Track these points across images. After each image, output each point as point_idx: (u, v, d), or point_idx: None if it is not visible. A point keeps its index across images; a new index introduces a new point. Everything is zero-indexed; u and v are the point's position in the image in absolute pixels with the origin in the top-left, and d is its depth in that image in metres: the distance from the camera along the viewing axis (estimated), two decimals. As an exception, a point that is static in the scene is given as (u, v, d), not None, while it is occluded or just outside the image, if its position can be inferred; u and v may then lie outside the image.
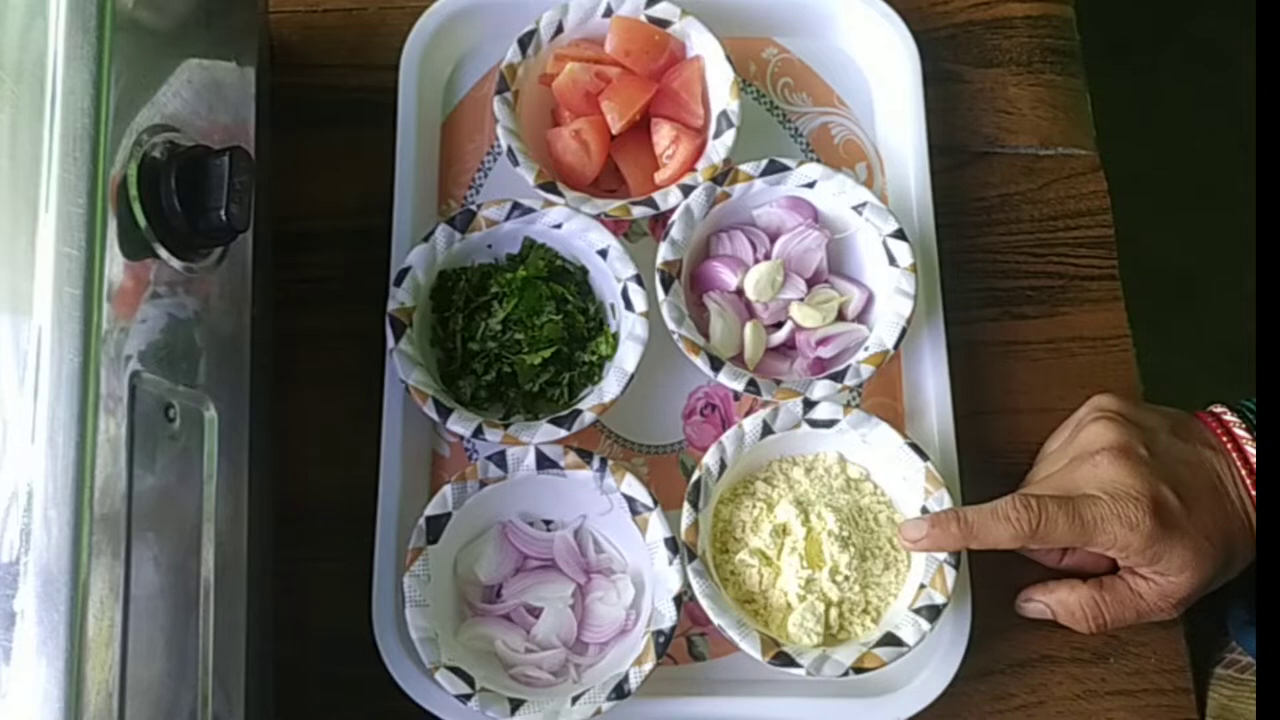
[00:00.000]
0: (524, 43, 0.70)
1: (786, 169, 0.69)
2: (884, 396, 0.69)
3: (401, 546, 0.63)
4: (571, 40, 0.72)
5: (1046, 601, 0.64)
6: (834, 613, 0.62)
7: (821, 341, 0.67)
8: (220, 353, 0.55)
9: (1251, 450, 0.61)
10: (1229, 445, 0.62)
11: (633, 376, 0.64)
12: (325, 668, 0.65)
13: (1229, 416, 0.63)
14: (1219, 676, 0.69)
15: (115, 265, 0.47)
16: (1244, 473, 0.61)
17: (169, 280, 0.52)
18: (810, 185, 0.69)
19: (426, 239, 0.67)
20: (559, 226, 0.68)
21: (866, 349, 0.66)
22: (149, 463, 0.48)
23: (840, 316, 0.68)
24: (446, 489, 0.62)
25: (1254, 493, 0.61)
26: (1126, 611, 0.62)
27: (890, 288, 0.67)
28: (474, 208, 0.68)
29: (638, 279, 0.66)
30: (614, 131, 0.70)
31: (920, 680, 0.63)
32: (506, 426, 0.64)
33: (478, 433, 0.63)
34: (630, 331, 0.66)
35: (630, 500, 0.63)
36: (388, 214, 0.69)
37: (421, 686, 0.61)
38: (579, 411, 0.64)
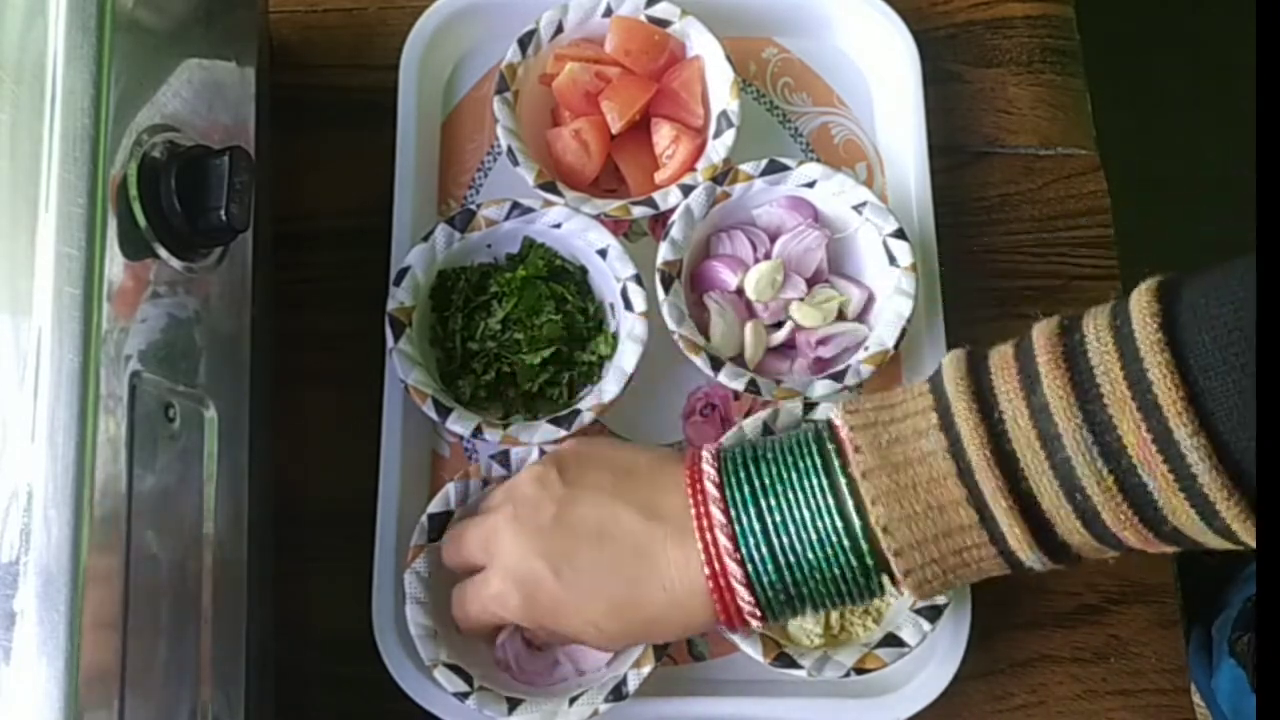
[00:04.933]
0: (524, 43, 0.70)
1: (786, 169, 0.69)
2: (884, 396, 0.69)
3: (402, 546, 0.63)
4: (571, 40, 0.72)
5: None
6: (835, 613, 0.62)
7: (821, 341, 0.67)
8: (220, 353, 0.55)
9: (714, 492, 0.49)
10: (694, 488, 0.51)
11: (632, 376, 0.64)
12: (325, 668, 0.65)
13: (706, 462, 0.51)
14: None
15: (115, 265, 0.47)
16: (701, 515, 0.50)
17: (169, 280, 0.52)
18: (810, 185, 0.69)
19: (426, 239, 0.67)
20: (558, 226, 0.68)
21: (866, 349, 0.66)
22: (149, 463, 0.49)
23: (840, 316, 0.68)
24: (449, 487, 0.62)
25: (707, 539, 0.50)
26: (476, 612, 0.56)
27: (890, 287, 0.67)
28: (474, 207, 0.68)
29: (637, 279, 0.66)
30: (614, 131, 0.70)
31: (920, 680, 0.63)
32: (506, 426, 0.64)
33: (477, 432, 0.63)
34: (630, 331, 0.66)
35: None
36: (388, 214, 0.69)
37: (421, 686, 0.61)
38: (578, 411, 0.64)
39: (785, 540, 0.47)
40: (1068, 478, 0.42)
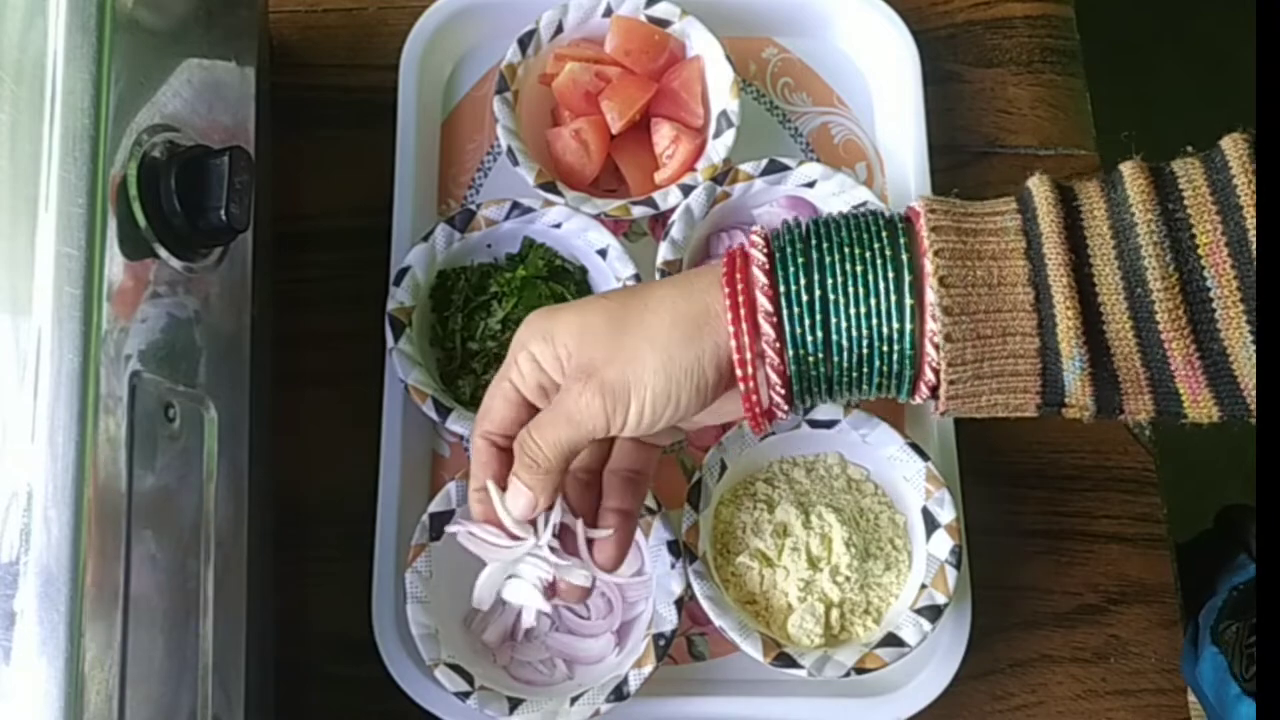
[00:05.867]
0: (524, 42, 0.70)
1: (786, 168, 0.69)
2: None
3: (401, 546, 0.63)
4: (571, 40, 0.72)
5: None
6: (835, 613, 0.62)
7: (821, 341, 0.67)
8: (220, 353, 0.55)
9: (759, 259, 0.46)
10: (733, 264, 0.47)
11: (633, 376, 0.64)
12: (325, 668, 0.65)
13: (754, 245, 0.47)
14: None
15: (115, 265, 0.47)
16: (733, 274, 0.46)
17: (169, 280, 0.52)
18: (810, 185, 0.69)
19: (426, 238, 0.67)
20: (558, 226, 0.68)
21: (866, 349, 0.66)
22: (149, 463, 0.48)
23: (840, 316, 0.68)
24: (450, 486, 0.62)
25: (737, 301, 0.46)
26: (555, 422, 0.48)
27: (890, 288, 0.67)
28: (473, 207, 0.68)
29: (637, 279, 0.66)
30: (614, 131, 0.70)
31: (920, 680, 0.63)
32: (506, 426, 0.64)
33: (478, 433, 0.63)
34: (630, 331, 0.65)
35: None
36: (388, 214, 0.69)
37: (421, 686, 0.61)
38: (579, 411, 0.64)
39: (829, 294, 0.45)
40: (1133, 268, 0.42)
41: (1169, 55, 1.69)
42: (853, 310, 0.44)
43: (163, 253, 0.51)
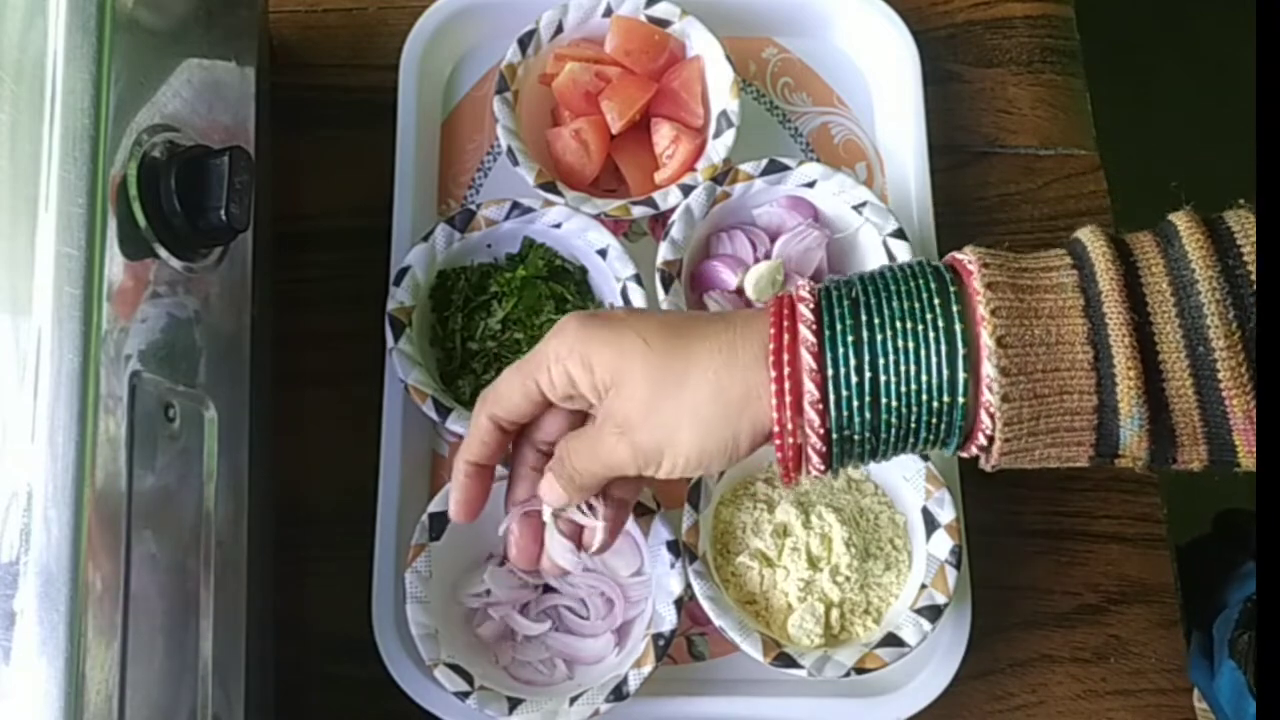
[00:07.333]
0: (524, 42, 0.70)
1: (786, 168, 0.69)
2: (884, 396, 0.69)
3: (401, 547, 0.63)
4: (571, 40, 0.72)
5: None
6: (835, 613, 0.62)
7: (821, 341, 0.67)
8: (220, 353, 0.55)
9: (807, 321, 0.45)
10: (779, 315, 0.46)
11: (633, 376, 0.64)
12: (325, 668, 0.65)
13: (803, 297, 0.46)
14: None
15: (115, 265, 0.47)
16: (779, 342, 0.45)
17: (169, 280, 0.52)
18: (810, 185, 0.69)
19: (426, 238, 0.67)
20: (558, 226, 0.68)
21: (866, 349, 0.66)
22: (149, 463, 0.49)
23: (840, 316, 0.68)
24: (450, 486, 0.62)
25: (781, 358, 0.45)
26: (591, 457, 0.50)
27: (890, 288, 0.67)
28: (473, 207, 0.68)
29: (637, 278, 0.66)
30: (614, 131, 0.70)
31: (920, 680, 0.63)
32: (506, 426, 0.64)
33: (478, 433, 0.63)
34: (630, 331, 0.65)
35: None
36: (388, 214, 0.69)
37: (421, 686, 0.61)
38: (579, 411, 0.64)
39: (879, 375, 0.44)
40: (1195, 327, 0.42)
41: (1169, 55, 1.69)
42: (904, 388, 0.44)
43: (163, 253, 0.51)
